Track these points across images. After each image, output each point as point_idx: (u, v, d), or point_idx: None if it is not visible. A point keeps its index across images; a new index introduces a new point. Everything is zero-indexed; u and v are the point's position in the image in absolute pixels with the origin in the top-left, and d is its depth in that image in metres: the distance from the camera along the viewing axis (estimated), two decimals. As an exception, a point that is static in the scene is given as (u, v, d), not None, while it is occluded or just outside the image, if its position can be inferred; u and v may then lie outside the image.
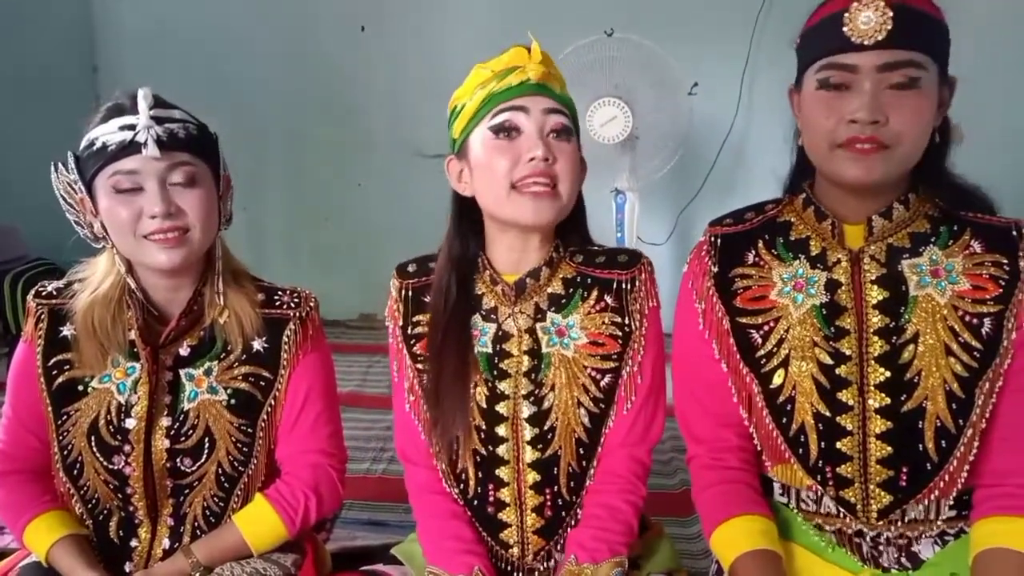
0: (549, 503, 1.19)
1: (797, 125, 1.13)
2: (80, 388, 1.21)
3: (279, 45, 3.94)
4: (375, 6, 3.88)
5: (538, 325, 1.20)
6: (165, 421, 1.21)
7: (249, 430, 1.24)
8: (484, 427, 1.19)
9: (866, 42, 0.99)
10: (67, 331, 1.22)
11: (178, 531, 1.23)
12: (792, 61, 1.12)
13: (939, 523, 1.09)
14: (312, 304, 1.29)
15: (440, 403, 1.18)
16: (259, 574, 1.20)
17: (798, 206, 1.17)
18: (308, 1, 3.91)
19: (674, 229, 3.64)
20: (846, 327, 1.09)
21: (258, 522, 1.23)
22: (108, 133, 1.13)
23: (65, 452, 1.22)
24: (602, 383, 1.18)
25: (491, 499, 1.20)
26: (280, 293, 1.29)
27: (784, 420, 1.10)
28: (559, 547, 1.20)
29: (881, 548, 1.10)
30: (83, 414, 1.21)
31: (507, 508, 1.20)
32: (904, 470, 1.06)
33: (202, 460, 1.22)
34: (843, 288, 1.10)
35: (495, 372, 1.19)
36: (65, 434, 1.21)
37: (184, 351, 1.23)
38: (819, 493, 1.11)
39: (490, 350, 1.20)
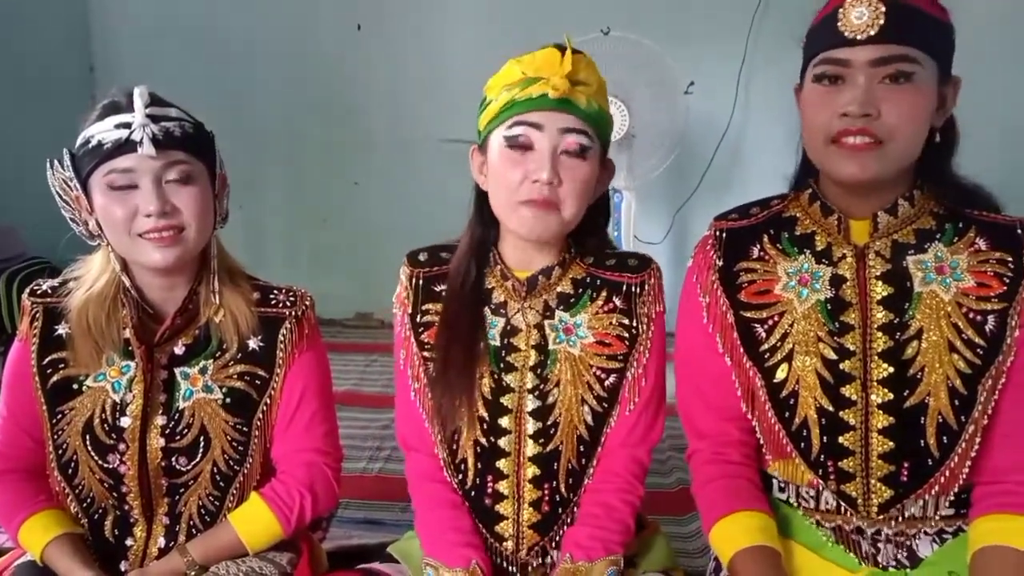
0: (547, 498, 1.19)
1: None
2: (75, 387, 1.21)
3: (278, 44, 3.93)
4: (374, 6, 3.87)
5: (546, 322, 1.20)
6: (160, 420, 1.20)
7: (244, 429, 1.23)
8: (488, 418, 1.19)
9: (859, 37, 1.00)
10: (62, 329, 1.21)
11: (173, 530, 1.23)
12: (789, 60, 1.13)
13: (937, 520, 1.09)
14: (308, 303, 1.29)
15: (445, 391, 1.19)
16: (255, 573, 1.19)
17: (804, 201, 1.17)
18: (307, 1, 3.90)
19: (671, 228, 3.64)
20: (850, 322, 1.09)
21: (253, 521, 1.22)
22: (104, 131, 1.12)
23: (60, 451, 1.21)
24: (607, 382, 1.19)
25: (489, 490, 1.20)
26: (276, 292, 1.28)
27: (787, 414, 1.11)
28: (553, 543, 1.20)
29: (880, 546, 1.10)
30: (78, 413, 1.20)
31: (504, 500, 1.20)
32: (905, 465, 1.06)
33: (197, 459, 1.21)
34: (848, 283, 1.10)
35: (502, 365, 1.20)
36: (60, 433, 1.21)
37: (179, 350, 1.23)
38: (819, 489, 1.11)
39: (498, 343, 1.21)
